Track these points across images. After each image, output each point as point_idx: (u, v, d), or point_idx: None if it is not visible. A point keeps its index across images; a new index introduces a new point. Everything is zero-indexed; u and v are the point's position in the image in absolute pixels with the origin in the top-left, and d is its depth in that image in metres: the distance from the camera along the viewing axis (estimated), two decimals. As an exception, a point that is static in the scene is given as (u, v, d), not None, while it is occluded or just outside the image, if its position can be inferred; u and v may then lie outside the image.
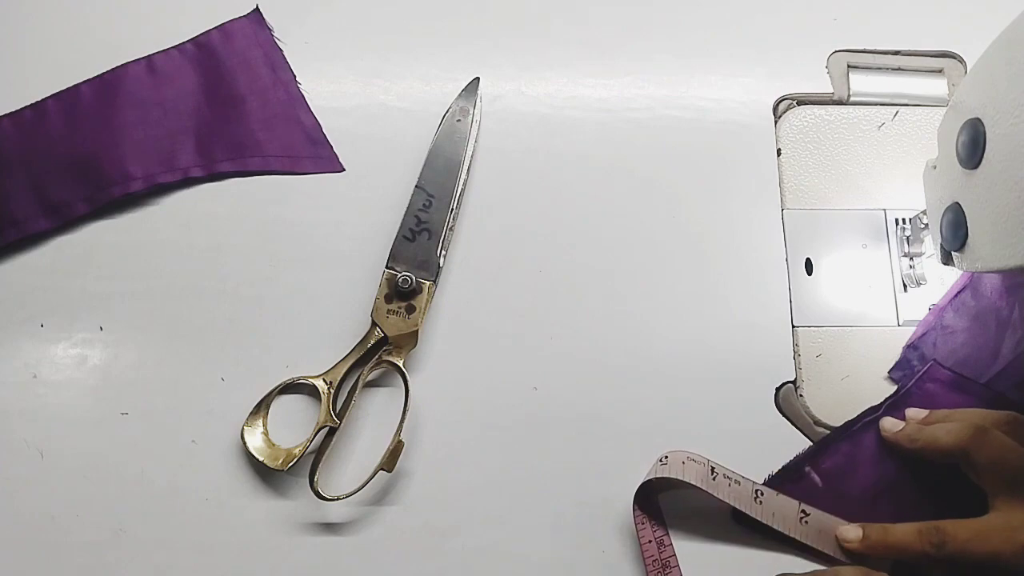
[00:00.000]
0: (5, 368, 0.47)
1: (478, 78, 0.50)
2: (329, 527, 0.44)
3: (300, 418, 0.45)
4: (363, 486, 0.43)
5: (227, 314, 0.47)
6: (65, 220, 0.48)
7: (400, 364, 0.45)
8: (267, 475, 0.45)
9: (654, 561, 0.43)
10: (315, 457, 0.44)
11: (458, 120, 0.49)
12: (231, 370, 0.46)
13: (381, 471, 0.43)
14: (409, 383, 0.45)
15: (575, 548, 0.44)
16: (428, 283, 0.46)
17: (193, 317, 0.47)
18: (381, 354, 0.45)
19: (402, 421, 0.44)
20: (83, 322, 0.47)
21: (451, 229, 0.47)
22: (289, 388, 0.45)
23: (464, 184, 0.48)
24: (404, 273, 0.46)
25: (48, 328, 0.47)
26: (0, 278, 0.48)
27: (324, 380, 0.45)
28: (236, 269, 0.48)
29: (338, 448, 0.45)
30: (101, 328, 0.47)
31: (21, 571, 0.44)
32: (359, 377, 0.45)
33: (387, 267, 0.46)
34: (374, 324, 0.45)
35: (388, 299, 0.46)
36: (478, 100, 0.50)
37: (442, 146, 0.48)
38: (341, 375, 0.45)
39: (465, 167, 0.48)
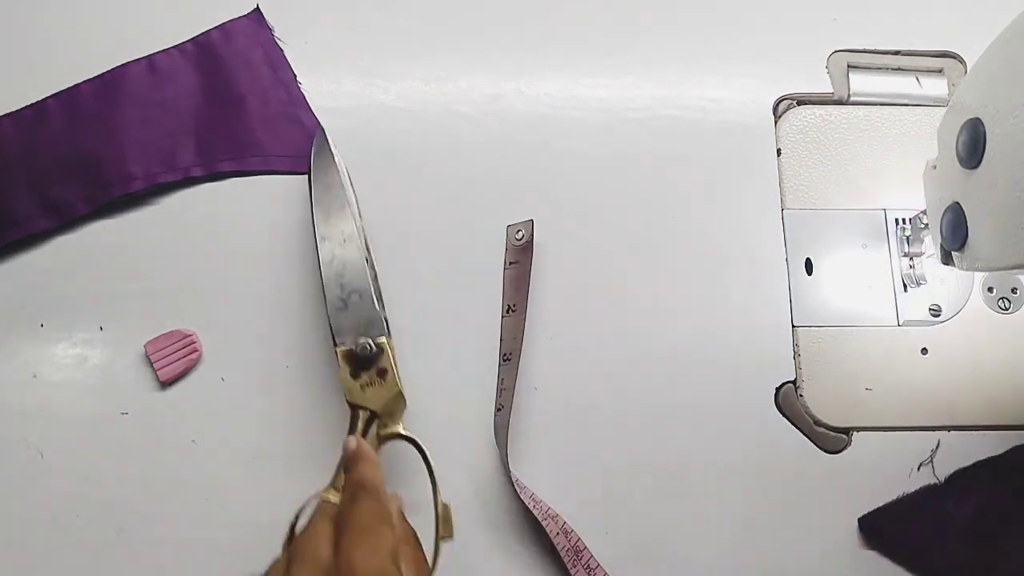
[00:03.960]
0: (5, 368, 0.47)
1: (322, 129, 0.49)
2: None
3: None
4: (434, 566, 0.39)
5: (227, 314, 0.47)
6: (65, 220, 0.48)
7: (402, 431, 0.42)
8: (268, 475, 0.45)
9: (567, 551, 0.42)
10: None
11: (325, 175, 0.46)
12: (231, 370, 0.46)
13: (444, 540, 0.39)
14: (421, 445, 0.41)
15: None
16: (385, 338, 0.43)
17: (193, 317, 0.47)
18: (378, 430, 0.42)
19: (434, 485, 0.40)
20: (83, 322, 0.47)
21: (375, 280, 0.45)
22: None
23: (363, 230, 0.46)
24: (358, 341, 0.42)
25: (48, 328, 0.47)
26: (0, 278, 0.48)
27: (335, 489, 0.40)
28: (236, 269, 0.48)
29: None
30: (101, 328, 0.47)
31: (21, 571, 0.44)
32: None
33: (336, 345, 0.42)
34: (354, 407, 0.42)
35: (355, 375, 0.42)
36: (332, 148, 0.47)
37: (324, 207, 0.45)
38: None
39: (357, 214, 0.46)
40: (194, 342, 0.46)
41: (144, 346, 0.46)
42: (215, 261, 0.48)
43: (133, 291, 0.48)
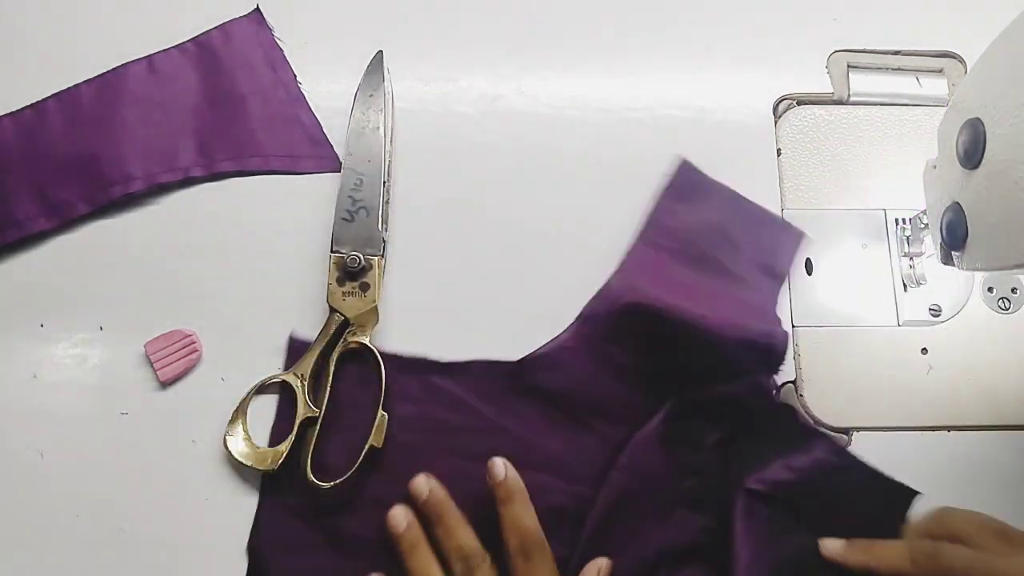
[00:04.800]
0: (5, 368, 0.47)
1: (381, 51, 0.50)
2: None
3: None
4: (356, 467, 0.43)
5: (227, 314, 0.47)
6: (65, 220, 0.48)
7: (367, 342, 0.45)
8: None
9: None
10: (303, 449, 0.44)
11: (370, 95, 0.48)
12: (231, 370, 0.46)
13: (371, 447, 0.43)
14: (380, 358, 0.45)
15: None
16: (377, 258, 0.46)
17: (193, 317, 0.47)
18: (346, 336, 0.45)
19: (382, 395, 0.44)
20: (83, 322, 0.47)
21: (387, 203, 0.48)
22: (264, 389, 0.45)
23: (390, 156, 0.48)
24: (351, 253, 0.46)
25: (48, 328, 0.47)
26: (0, 278, 0.48)
27: (295, 374, 0.45)
28: (236, 269, 0.48)
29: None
30: (101, 328, 0.47)
31: (21, 571, 0.44)
32: (329, 362, 0.45)
33: (332, 251, 0.46)
34: (332, 310, 0.46)
35: (340, 282, 0.46)
36: (385, 72, 0.49)
37: (360, 125, 0.48)
38: (311, 366, 0.45)
39: (388, 140, 0.48)
40: (194, 342, 0.46)
41: (144, 346, 0.46)
42: (215, 261, 0.48)
43: (133, 291, 0.48)
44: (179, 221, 0.49)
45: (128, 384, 0.46)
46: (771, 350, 0.44)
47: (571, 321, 0.47)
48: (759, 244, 0.48)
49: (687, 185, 0.49)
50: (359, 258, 0.46)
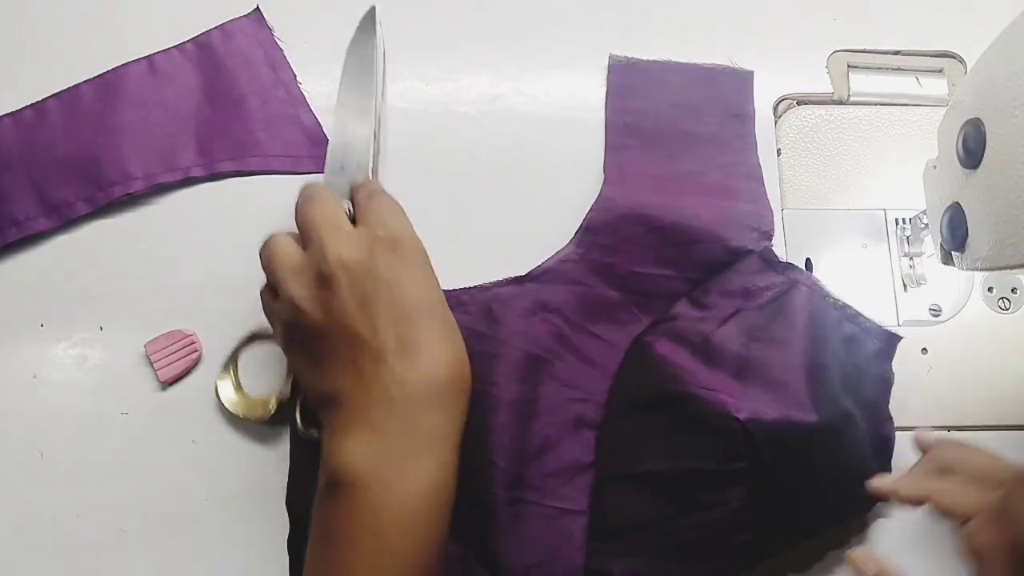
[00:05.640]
0: (5, 368, 0.47)
1: (373, 7, 0.49)
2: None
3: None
4: None
5: (227, 315, 0.47)
6: (65, 220, 0.48)
7: None
8: (267, 473, 0.45)
9: None
10: (292, 399, 0.44)
11: (362, 50, 0.48)
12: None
13: None
14: None
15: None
16: None
17: (193, 317, 0.47)
18: None
19: None
20: (83, 322, 0.47)
21: (376, 156, 0.47)
22: (257, 338, 0.45)
23: (380, 112, 0.48)
24: (344, 203, 0.44)
25: (48, 328, 0.47)
26: (0, 278, 0.48)
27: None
28: (236, 269, 0.48)
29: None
30: (101, 328, 0.47)
31: (21, 571, 0.44)
32: None
33: None
34: None
35: None
36: (377, 25, 0.48)
37: (351, 79, 0.47)
38: None
39: (380, 94, 0.48)
40: (194, 342, 0.46)
41: (144, 346, 0.46)
42: (215, 261, 0.48)
43: (133, 291, 0.48)
44: (179, 221, 0.49)
45: (128, 384, 0.46)
46: (760, 229, 0.47)
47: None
48: (713, 97, 0.50)
49: (624, 78, 0.51)
50: (349, 209, 0.44)
